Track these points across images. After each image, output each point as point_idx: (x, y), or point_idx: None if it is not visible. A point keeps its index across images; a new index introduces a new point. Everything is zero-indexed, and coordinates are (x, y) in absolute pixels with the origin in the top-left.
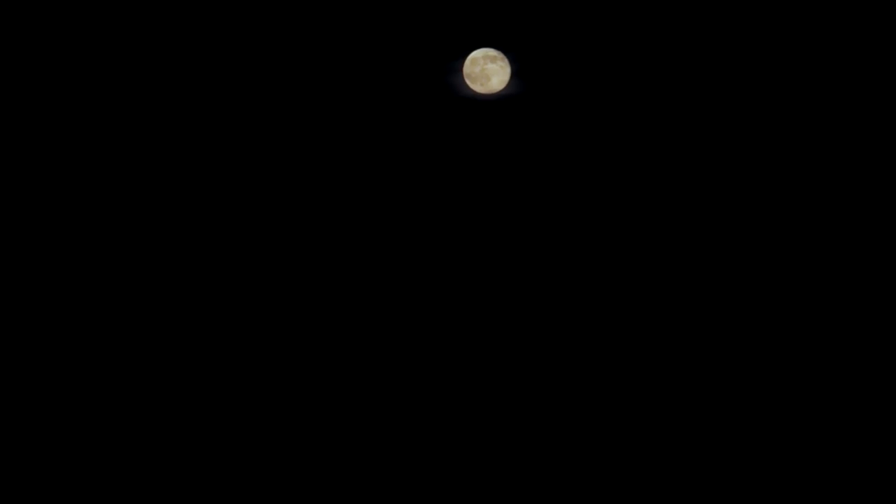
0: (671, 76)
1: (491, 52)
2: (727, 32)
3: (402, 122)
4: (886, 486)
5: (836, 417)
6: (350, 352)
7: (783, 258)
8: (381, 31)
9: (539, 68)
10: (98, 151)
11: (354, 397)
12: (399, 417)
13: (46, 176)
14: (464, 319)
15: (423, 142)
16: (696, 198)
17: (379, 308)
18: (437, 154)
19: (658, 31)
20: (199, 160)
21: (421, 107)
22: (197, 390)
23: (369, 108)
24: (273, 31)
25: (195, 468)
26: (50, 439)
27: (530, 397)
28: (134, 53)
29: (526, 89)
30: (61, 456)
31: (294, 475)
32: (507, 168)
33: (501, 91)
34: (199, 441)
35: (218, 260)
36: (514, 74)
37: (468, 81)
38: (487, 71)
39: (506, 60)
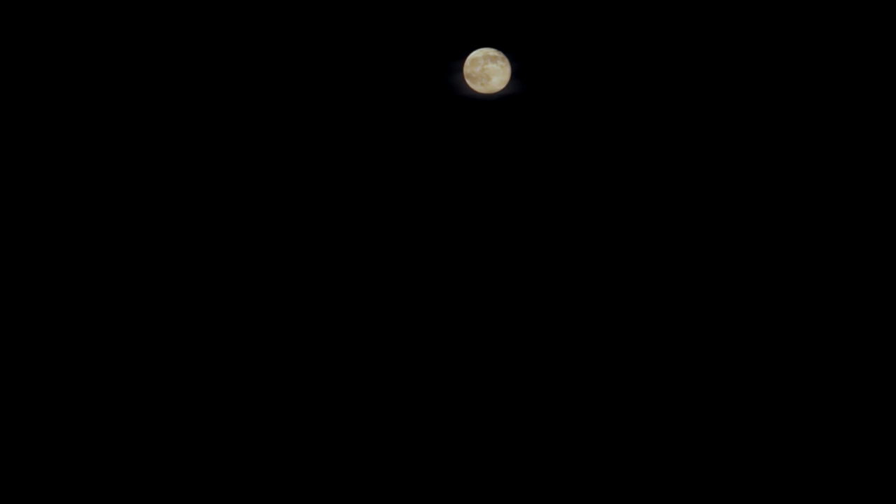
0: (671, 76)
1: (491, 51)
2: (727, 32)
3: (402, 121)
4: (886, 486)
5: (835, 417)
6: (350, 352)
7: (782, 258)
8: (382, 31)
9: (539, 68)
10: (98, 151)
11: (354, 397)
12: (398, 417)
13: (46, 176)
14: (464, 319)
15: (424, 142)
16: (695, 198)
17: (379, 308)
18: (438, 154)
19: (658, 31)
20: (199, 160)
21: (421, 107)
22: (195, 389)
23: (370, 107)
24: (273, 31)
25: (193, 468)
26: (50, 439)
27: (530, 397)
28: (135, 53)
29: (526, 89)
30: (61, 456)
31: (293, 475)
32: (507, 168)
33: (502, 91)
34: (198, 440)
35: (218, 260)
36: (514, 74)
37: (468, 81)
38: (488, 71)
39: (506, 60)
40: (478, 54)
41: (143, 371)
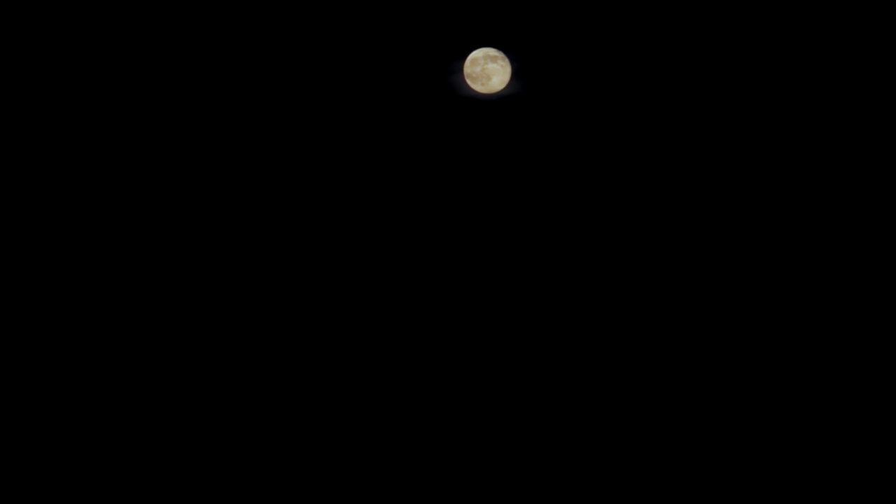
0: (672, 76)
1: (491, 51)
2: (727, 32)
3: (402, 121)
4: (886, 486)
5: (832, 418)
6: (349, 351)
7: (781, 259)
8: (382, 30)
9: (539, 68)
10: (97, 151)
11: (354, 397)
12: (397, 417)
13: (45, 175)
14: (463, 319)
15: (424, 142)
16: (695, 197)
17: (379, 307)
18: (438, 154)
19: (658, 31)
20: (198, 161)
21: (421, 107)
22: (193, 389)
23: (370, 107)
24: (273, 31)
25: (192, 467)
26: (50, 439)
27: (529, 397)
28: (136, 53)
29: (526, 89)
30: (61, 455)
31: (291, 475)
32: (507, 168)
33: (502, 91)
34: (195, 440)
35: (220, 260)
36: (514, 74)
37: (469, 81)
38: (488, 71)
39: (506, 60)
40: (478, 54)
41: (140, 369)
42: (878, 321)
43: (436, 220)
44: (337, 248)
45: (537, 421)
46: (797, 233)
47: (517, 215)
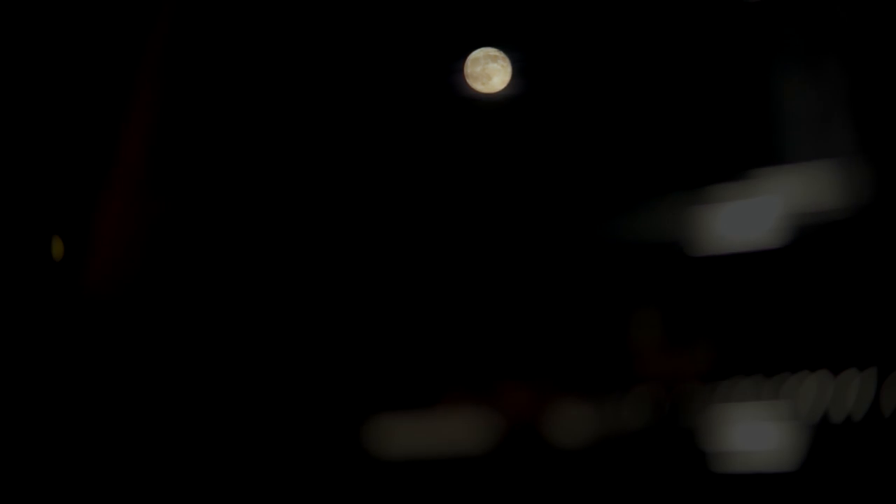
0: (672, 76)
1: (492, 51)
2: (727, 31)
3: (402, 121)
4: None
5: None
6: (348, 352)
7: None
8: (382, 30)
9: (540, 68)
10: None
11: (351, 396)
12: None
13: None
14: (463, 318)
15: (424, 141)
16: (695, 197)
17: (379, 308)
18: (438, 153)
19: (659, 32)
20: (197, 160)
21: (421, 106)
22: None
23: (370, 107)
24: (273, 31)
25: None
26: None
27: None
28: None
29: (527, 89)
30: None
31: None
32: (507, 168)
33: (503, 91)
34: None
35: (219, 260)
36: (515, 74)
37: (469, 81)
38: (489, 70)
39: (507, 60)
40: (479, 54)
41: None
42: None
43: (436, 219)
44: (337, 246)
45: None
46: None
47: (517, 215)
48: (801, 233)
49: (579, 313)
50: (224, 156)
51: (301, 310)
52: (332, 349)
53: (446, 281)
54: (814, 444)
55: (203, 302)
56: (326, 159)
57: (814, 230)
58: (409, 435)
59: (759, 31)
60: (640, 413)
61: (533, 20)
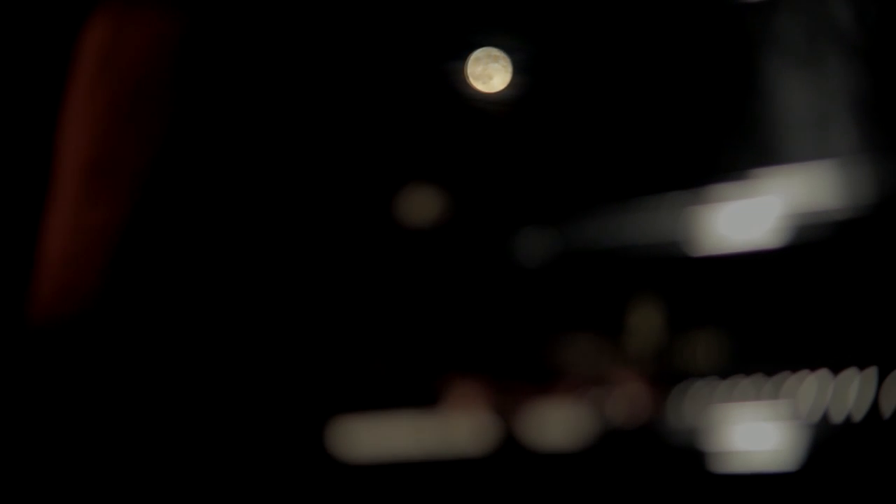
0: (673, 77)
1: (494, 51)
2: (727, 31)
3: (402, 121)
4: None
5: None
6: (346, 351)
7: None
8: (382, 29)
9: (541, 68)
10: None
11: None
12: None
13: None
14: (461, 319)
15: (424, 141)
16: (695, 197)
17: (377, 307)
18: (438, 153)
19: (660, 32)
20: (195, 160)
21: (421, 106)
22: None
23: (369, 107)
24: (273, 30)
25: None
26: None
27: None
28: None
29: (528, 89)
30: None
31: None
32: (507, 168)
33: (503, 91)
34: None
35: (219, 259)
36: (516, 74)
37: (470, 81)
38: (490, 70)
39: (508, 60)
40: (480, 54)
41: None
42: None
43: (436, 219)
44: (336, 246)
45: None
46: None
47: (518, 214)
48: (802, 233)
49: (577, 313)
50: (186, 158)
51: (275, 310)
52: (308, 350)
53: (436, 279)
54: (814, 444)
55: (171, 306)
56: (318, 160)
57: (814, 230)
58: (385, 436)
59: (760, 31)
60: (637, 412)
61: (534, 20)
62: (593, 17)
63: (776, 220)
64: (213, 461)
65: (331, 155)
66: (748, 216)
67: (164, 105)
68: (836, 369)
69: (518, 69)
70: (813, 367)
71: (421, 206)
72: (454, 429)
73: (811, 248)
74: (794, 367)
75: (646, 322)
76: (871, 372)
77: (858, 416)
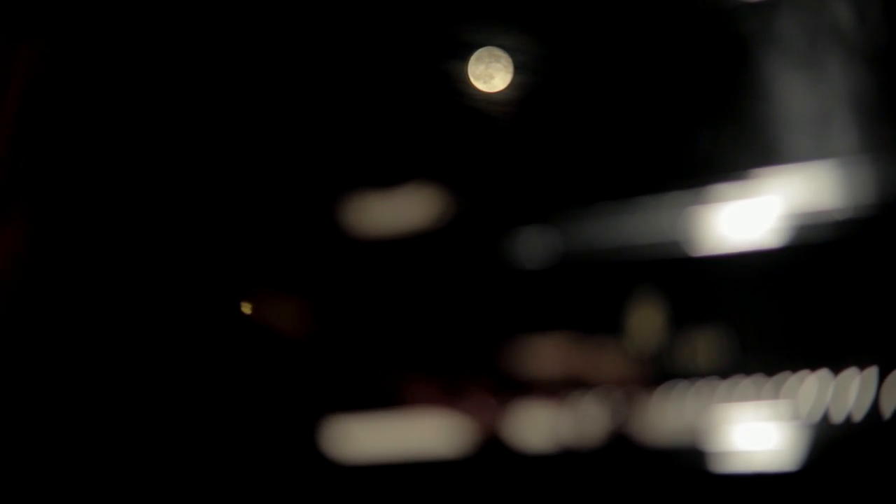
0: (674, 77)
1: (495, 50)
2: (728, 31)
3: (402, 120)
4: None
5: None
6: (344, 350)
7: None
8: (382, 28)
9: (542, 68)
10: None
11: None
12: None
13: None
14: (460, 319)
15: (424, 141)
16: (695, 197)
17: (376, 307)
18: (438, 153)
19: (662, 32)
20: (195, 159)
21: (422, 105)
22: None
23: (369, 106)
24: (272, 30)
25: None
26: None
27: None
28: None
29: (529, 89)
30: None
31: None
32: (507, 168)
33: (504, 90)
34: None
35: (218, 259)
36: (517, 74)
37: (471, 80)
38: (491, 70)
39: (509, 60)
40: (481, 53)
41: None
42: None
43: (435, 219)
44: (336, 246)
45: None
46: None
47: (517, 215)
48: (803, 233)
49: (576, 314)
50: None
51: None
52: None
53: (435, 279)
54: (814, 445)
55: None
56: (325, 158)
57: (815, 230)
58: (370, 438)
59: (760, 30)
60: (630, 413)
61: (536, 19)
62: (595, 16)
63: (777, 220)
64: (192, 463)
65: (329, 154)
66: (749, 216)
67: (55, 124)
68: (836, 369)
69: (520, 68)
70: (813, 368)
71: (420, 205)
72: (439, 430)
73: (812, 249)
74: (795, 367)
75: (645, 322)
76: (872, 372)
77: (859, 417)
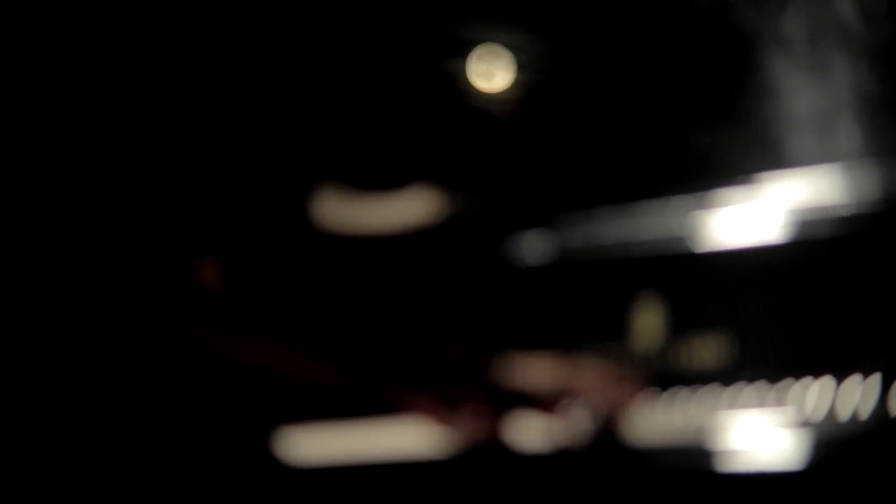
0: (675, 77)
1: (496, 49)
2: (728, 32)
3: (402, 120)
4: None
5: None
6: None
7: None
8: (383, 27)
9: (542, 68)
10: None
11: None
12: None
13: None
14: (458, 320)
15: (424, 140)
16: (699, 199)
17: (375, 307)
18: (439, 153)
19: (662, 32)
20: (194, 159)
21: (422, 104)
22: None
23: (369, 106)
24: (272, 29)
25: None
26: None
27: None
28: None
29: (529, 88)
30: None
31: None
32: (508, 168)
33: (505, 90)
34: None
35: (218, 259)
36: (518, 73)
37: (472, 79)
38: (492, 69)
39: (511, 58)
40: (482, 52)
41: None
42: None
43: (435, 219)
44: (335, 246)
45: None
46: None
47: (519, 214)
48: (806, 237)
49: (577, 315)
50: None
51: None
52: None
53: (432, 279)
54: (817, 451)
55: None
56: (325, 158)
57: (819, 234)
58: (344, 442)
59: (765, 31)
60: (626, 417)
61: (538, 17)
62: (597, 16)
63: (781, 224)
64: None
65: (328, 154)
66: (752, 219)
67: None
68: (839, 375)
69: (521, 67)
70: (816, 374)
71: (420, 205)
72: (423, 435)
73: (816, 253)
74: (798, 373)
75: (647, 326)
76: (875, 378)
77: (862, 423)
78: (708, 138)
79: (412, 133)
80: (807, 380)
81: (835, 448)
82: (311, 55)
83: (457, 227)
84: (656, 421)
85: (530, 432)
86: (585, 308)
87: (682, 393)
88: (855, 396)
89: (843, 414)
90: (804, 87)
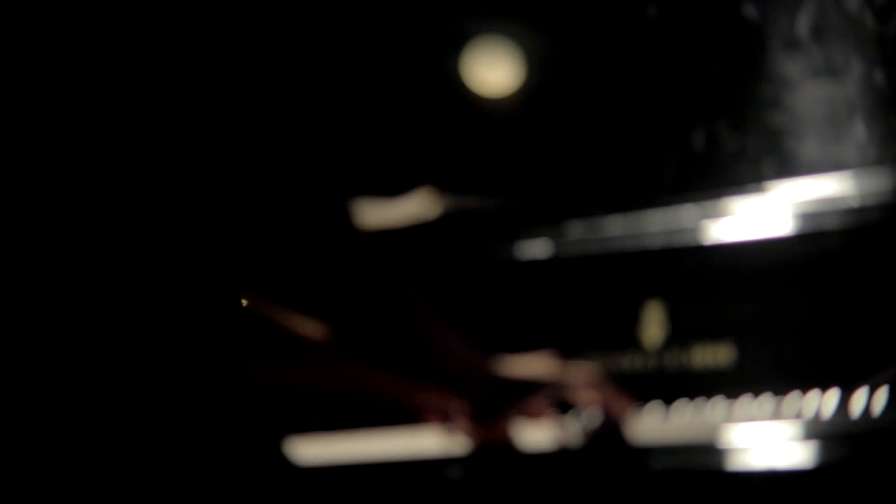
0: (675, 77)
1: (496, 49)
2: (729, 32)
3: (402, 119)
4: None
5: None
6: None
7: None
8: (383, 26)
9: (543, 67)
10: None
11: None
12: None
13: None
14: (458, 320)
15: (424, 140)
16: (704, 203)
17: (374, 307)
18: (439, 152)
19: (663, 32)
20: (194, 158)
21: (422, 104)
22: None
23: (369, 105)
24: (272, 29)
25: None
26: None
27: None
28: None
29: (530, 88)
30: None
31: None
32: (508, 167)
33: (505, 89)
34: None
35: (216, 259)
36: (517, 73)
37: (471, 78)
38: (492, 68)
39: (510, 58)
40: (482, 51)
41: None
42: None
43: (435, 219)
44: (335, 246)
45: None
46: None
47: (519, 214)
48: (815, 243)
49: (579, 316)
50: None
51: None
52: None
53: (431, 279)
54: (823, 461)
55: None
56: (325, 158)
57: (828, 240)
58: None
59: (774, 34)
60: (627, 425)
61: (538, 16)
62: (599, 16)
63: (788, 230)
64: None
65: (327, 153)
66: (760, 225)
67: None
68: (846, 387)
69: (521, 66)
70: (824, 387)
71: (419, 204)
72: (428, 436)
73: (822, 259)
74: (804, 385)
75: (651, 335)
76: (882, 391)
77: (867, 434)
78: (712, 142)
79: (412, 133)
80: (812, 387)
81: (840, 452)
82: (312, 55)
83: (456, 227)
84: (656, 421)
85: (531, 433)
86: (585, 308)
87: (685, 396)
88: (861, 401)
89: (852, 415)
90: (812, 91)
